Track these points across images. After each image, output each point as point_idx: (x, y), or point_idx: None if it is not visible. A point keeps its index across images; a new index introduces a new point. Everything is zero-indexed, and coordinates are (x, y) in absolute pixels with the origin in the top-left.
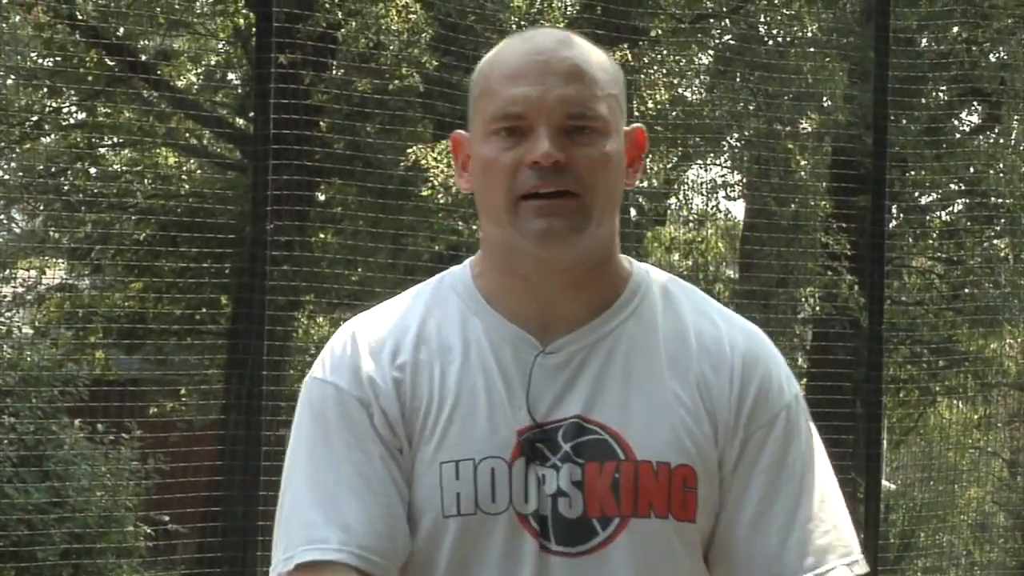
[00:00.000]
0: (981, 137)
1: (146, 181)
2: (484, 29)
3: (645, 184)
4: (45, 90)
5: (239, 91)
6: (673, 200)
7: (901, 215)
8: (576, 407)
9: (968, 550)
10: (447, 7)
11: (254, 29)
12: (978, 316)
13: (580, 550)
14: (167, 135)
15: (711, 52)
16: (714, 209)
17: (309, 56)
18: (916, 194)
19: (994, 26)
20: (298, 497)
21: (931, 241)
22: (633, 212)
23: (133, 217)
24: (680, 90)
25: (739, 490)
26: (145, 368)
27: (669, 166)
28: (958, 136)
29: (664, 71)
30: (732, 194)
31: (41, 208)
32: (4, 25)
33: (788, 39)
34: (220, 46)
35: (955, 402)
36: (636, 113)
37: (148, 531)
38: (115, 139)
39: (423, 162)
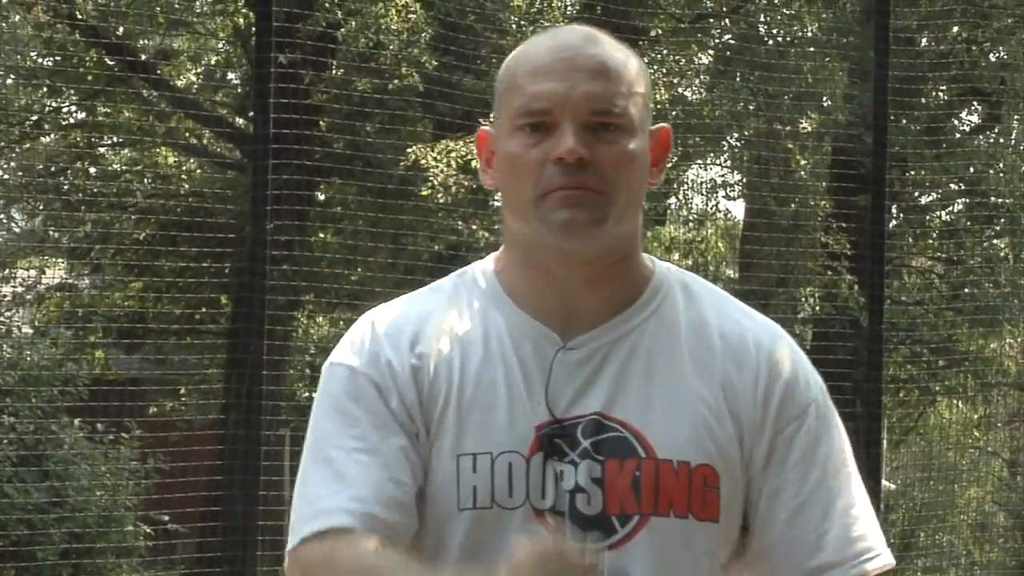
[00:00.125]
0: (981, 137)
1: (146, 181)
2: (484, 29)
3: None
4: (45, 89)
5: (239, 91)
6: (673, 200)
7: (901, 215)
8: (596, 404)
9: (968, 550)
10: (447, 7)
11: (254, 29)
12: (978, 316)
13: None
14: (167, 135)
15: (711, 52)
16: (714, 209)
17: (309, 56)
18: (916, 194)
19: (994, 26)
20: (306, 476)
21: (931, 241)
22: None
23: (133, 217)
24: (680, 90)
25: (772, 487)
26: (145, 368)
27: (669, 166)
28: (958, 136)
29: (664, 71)
30: (732, 194)
31: (41, 208)
32: (4, 24)
33: (788, 39)
34: (220, 46)
35: (955, 402)
36: None
37: (148, 531)
38: (115, 139)
39: (423, 162)
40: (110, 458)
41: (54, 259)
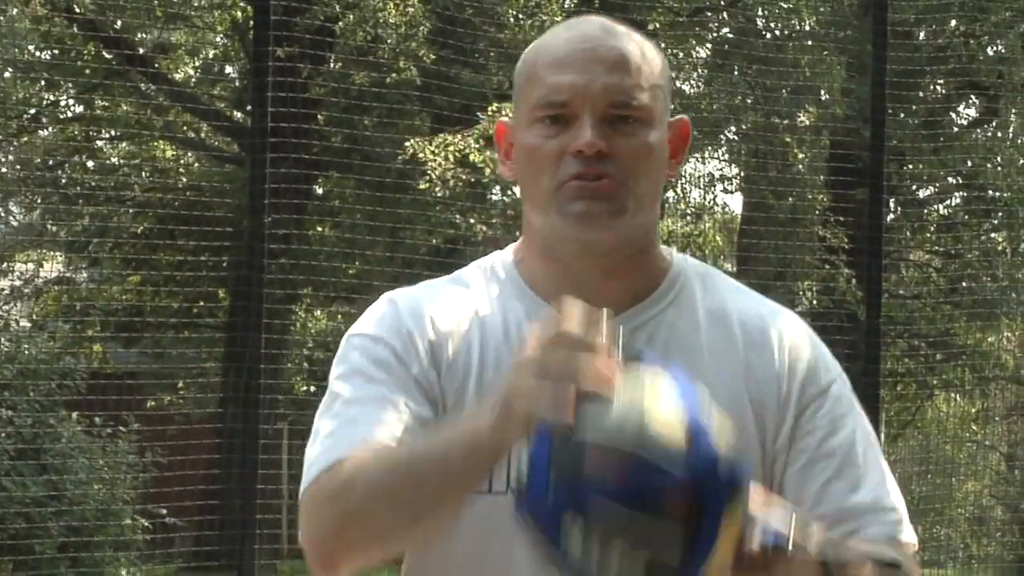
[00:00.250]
0: (979, 131)
1: (144, 174)
2: (482, 22)
3: None
4: (43, 83)
5: (237, 84)
6: (671, 193)
7: (899, 208)
8: None
9: (965, 544)
10: (445, 0)
11: (252, 22)
12: (976, 309)
13: None
14: (165, 128)
15: (709, 45)
16: (712, 202)
17: (307, 49)
18: (914, 187)
19: (992, 19)
20: (319, 429)
21: (929, 234)
22: None
23: (131, 210)
24: (678, 83)
25: (797, 466)
26: (143, 361)
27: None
28: (956, 130)
29: None
30: (730, 187)
31: (38, 201)
32: (2, 18)
33: (786, 32)
34: (218, 39)
35: (952, 395)
36: None
37: (146, 524)
38: (112, 132)
39: (421, 155)
40: (108, 451)
41: (52, 253)
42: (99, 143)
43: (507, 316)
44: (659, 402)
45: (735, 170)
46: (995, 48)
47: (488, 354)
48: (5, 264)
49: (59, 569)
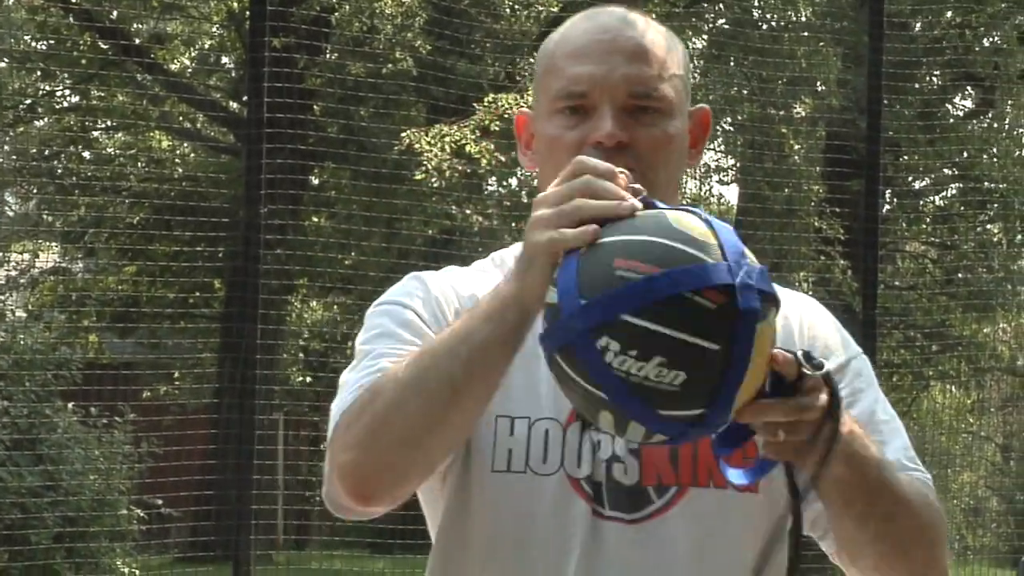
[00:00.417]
0: (975, 122)
1: (140, 164)
2: (478, 13)
3: None
4: (39, 73)
5: (233, 75)
6: None
7: (895, 200)
8: None
9: (961, 535)
10: None
11: (248, 12)
12: (971, 301)
13: (635, 517)
14: (161, 119)
15: (705, 36)
16: (707, 193)
17: (303, 40)
18: (910, 179)
19: (987, 11)
20: (341, 390)
21: (924, 226)
22: None
23: (127, 200)
24: None
25: None
26: (138, 352)
27: None
28: (951, 121)
29: None
30: (725, 178)
31: (35, 191)
32: None
33: (782, 23)
34: (214, 29)
35: (948, 387)
36: None
37: (141, 514)
38: (109, 122)
39: (417, 146)
40: (104, 442)
41: (48, 243)
42: (95, 133)
43: None
44: (685, 215)
45: (731, 161)
46: (991, 39)
47: None
48: (1, 254)
49: (54, 559)
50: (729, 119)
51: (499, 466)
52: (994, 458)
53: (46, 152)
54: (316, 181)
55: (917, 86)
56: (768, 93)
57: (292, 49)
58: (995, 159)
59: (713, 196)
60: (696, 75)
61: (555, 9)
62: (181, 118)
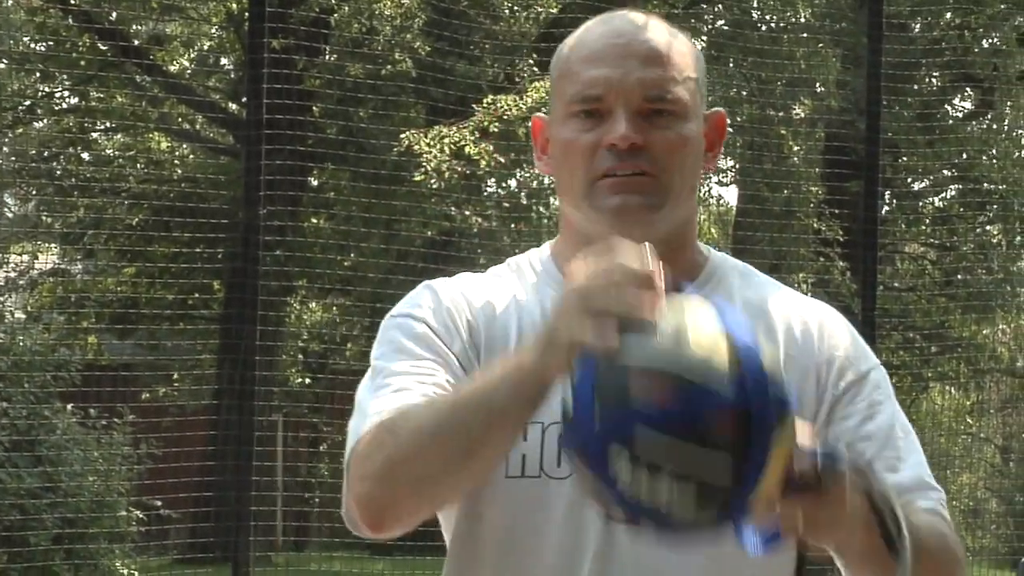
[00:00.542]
0: (974, 123)
1: (139, 166)
2: (477, 14)
3: None
4: (38, 75)
5: (232, 76)
6: None
7: (894, 201)
8: None
9: (960, 536)
10: None
11: (247, 14)
12: (971, 302)
13: None
14: (160, 120)
15: (704, 37)
16: (707, 194)
17: (302, 41)
18: (909, 180)
19: (987, 12)
20: (361, 403)
21: (924, 227)
22: None
23: (126, 202)
24: None
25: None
26: (138, 353)
27: None
28: (951, 122)
29: None
30: (725, 180)
31: (34, 193)
32: None
33: (781, 25)
34: (213, 31)
35: (947, 388)
36: None
37: (140, 516)
38: (108, 124)
39: (416, 147)
40: (103, 443)
41: (47, 244)
42: (94, 135)
43: (544, 302)
44: (703, 326)
45: (730, 162)
46: (990, 41)
47: (525, 336)
48: (0, 256)
49: (53, 561)
50: (728, 120)
51: (513, 471)
52: (993, 460)
53: (45, 153)
54: (315, 182)
55: (916, 87)
56: (767, 94)
57: (291, 50)
58: (994, 160)
59: (712, 197)
60: None
61: (554, 11)
62: (180, 119)
